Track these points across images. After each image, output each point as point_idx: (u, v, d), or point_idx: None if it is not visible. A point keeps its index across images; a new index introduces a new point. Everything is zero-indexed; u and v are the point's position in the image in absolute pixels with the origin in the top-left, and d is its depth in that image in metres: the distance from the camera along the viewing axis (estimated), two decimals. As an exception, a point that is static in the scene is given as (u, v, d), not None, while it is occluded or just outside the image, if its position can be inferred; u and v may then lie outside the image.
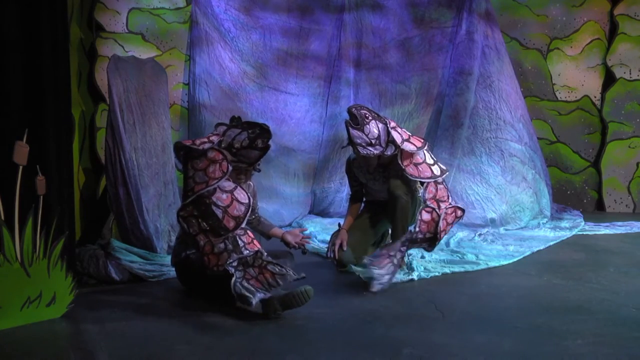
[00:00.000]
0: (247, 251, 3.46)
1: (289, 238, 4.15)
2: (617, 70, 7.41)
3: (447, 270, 4.53)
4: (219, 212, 3.48)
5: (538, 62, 7.53)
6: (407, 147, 4.25)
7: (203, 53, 6.78)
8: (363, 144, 4.22)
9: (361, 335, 3.20)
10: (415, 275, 4.33)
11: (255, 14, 6.95)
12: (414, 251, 4.69)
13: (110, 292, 4.05)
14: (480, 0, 6.86)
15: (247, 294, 3.38)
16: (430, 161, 4.35)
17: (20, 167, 3.30)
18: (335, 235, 4.60)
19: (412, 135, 4.39)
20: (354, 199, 4.81)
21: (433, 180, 4.25)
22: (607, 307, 3.65)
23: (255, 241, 3.54)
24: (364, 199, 4.82)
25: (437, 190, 4.25)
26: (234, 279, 3.41)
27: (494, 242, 5.49)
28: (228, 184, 3.57)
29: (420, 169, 4.27)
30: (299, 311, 3.45)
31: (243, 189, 3.62)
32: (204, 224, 3.50)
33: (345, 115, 4.42)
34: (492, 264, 4.75)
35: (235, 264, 3.45)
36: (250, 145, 3.62)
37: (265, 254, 3.50)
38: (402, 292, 4.03)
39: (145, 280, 4.26)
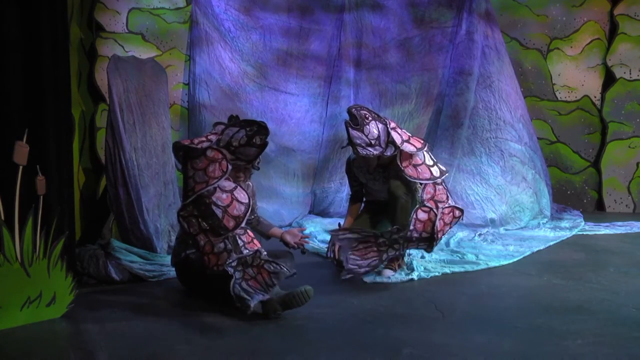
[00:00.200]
0: (247, 251, 3.47)
1: (288, 238, 4.15)
2: (617, 70, 7.42)
3: (447, 270, 4.53)
4: (219, 212, 3.48)
5: (538, 62, 7.53)
6: (407, 148, 4.25)
7: (203, 53, 6.78)
8: (363, 145, 4.22)
9: (361, 335, 3.20)
10: (415, 275, 4.33)
11: (255, 14, 6.96)
12: (414, 251, 4.70)
13: (110, 292, 4.05)
14: (480, 0, 6.87)
15: (245, 296, 3.38)
16: (430, 162, 4.35)
17: (20, 167, 3.30)
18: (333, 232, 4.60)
19: (412, 136, 4.39)
20: (354, 199, 4.81)
21: (432, 181, 4.25)
22: (607, 307, 3.65)
23: (255, 241, 3.55)
24: (364, 199, 4.82)
25: (435, 191, 4.24)
26: (233, 280, 3.41)
27: (494, 242, 5.49)
28: (228, 184, 3.57)
29: (419, 170, 4.27)
30: (299, 311, 3.46)
31: (243, 188, 3.62)
32: (204, 223, 3.50)
33: (346, 115, 4.42)
34: (492, 264, 4.75)
35: (234, 264, 3.45)
36: (248, 142, 3.62)
37: (265, 253, 3.50)
38: (402, 292, 4.03)
39: (145, 280, 4.26)
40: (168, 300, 3.88)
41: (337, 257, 4.48)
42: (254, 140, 3.62)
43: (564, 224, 6.34)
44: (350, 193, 4.89)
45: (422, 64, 7.03)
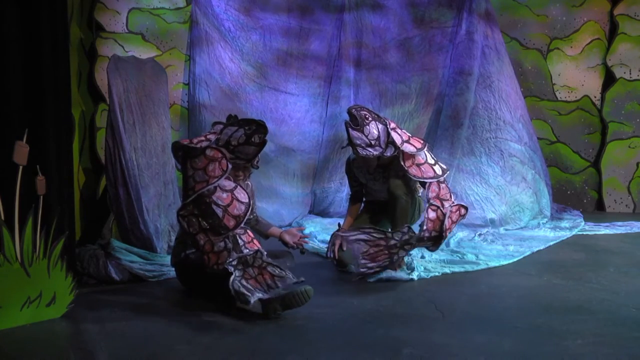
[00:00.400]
0: (247, 250, 3.47)
1: (287, 238, 4.15)
2: (617, 70, 7.42)
3: (447, 270, 4.53)
4: (219, 211, 3.48)
5: (538, 62, 7.53)
6: (407, 148, 4.26)
7: (203, 53, 6.78)
8: (363, 145, 4.23)
9: (361, 335, 3.20)
10: (415, 275, 4.32)
11: (255, 14, 6.96)
12: (414, 251, 4.69)
13: (110, 292, 4.05)
14: (480, 0, 6.87)
15: (246, 292, 3.38)
16: (432, 161, 4.36)
17: (20, 167, 3.30)
18: (335, 235, 4.60)
19: (412, 136, 4.39)
20: (354, 199, 4.81)
21: (436, 180, 4.26)
22: (607, 307, 3.65)
23: (255, 240, 3.55)
24: (364, 199, 4.82)
25: (439, 189, 4.25)
26: (232, 277, 3.41)
27: (494, 242, 5.49)
28: (228, 183, 3.57)
29: (422, 169, 4.27)
30: (299, 311, 3.45)
31: (243, 188, 3.63)
32: (204, 222, 3.51)
33: (346, 116, 4.43)
34: (492, 264, 4.75)
35: (234, 262, 3.45)
36: (246, 141, 3.62)
37: (265, 253, 3.50)
38: (402, 292, 4.03)
39: (145, 280, 4.26)
40: (168, 300, 3.88)
41: (337, 257, 4.48)
42: (252, 139, 3.62)
43: (564, 224, 6.33)
44: (350, 193, 4.89)
45: (422, 64, 7.03)
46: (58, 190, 3.53)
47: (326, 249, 4.63)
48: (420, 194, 4.61)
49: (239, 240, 3.48)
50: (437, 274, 4.44)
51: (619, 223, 6.40)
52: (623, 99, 7.42)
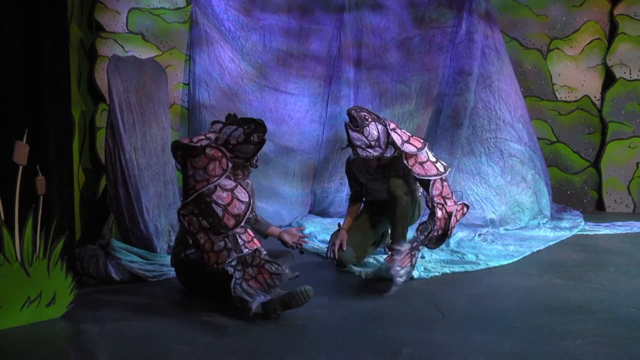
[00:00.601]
0: (247, 249, 3.47)
1: (287, 238, 4.14)
2: (617, 70, 7.42)
3: (447, 270, 4.53)
4: (219, 211, 3.48)
5: (538, 62, 7.53)
6: (407, 148, 4.26)
7: (203, 53, 6.78)
8: (362, 146, 4.23)
9: (361, 335, 3.20)
10: (415, 275, 4.32)
11: (255, 14, 6.96)
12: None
13: (110, 292, 4.05)
14: (480, 0, 6.87)
15: (247, 297, 3.38)
16: (433, 159, 4.37)
17: (20, 167, 3.30)
18: (335, 235, 4.61)
19: (412, 136, 4.39)
20: (353, 199, 4.81)
21: (439, 177, 4.27)
22: (607, 307, 3.65)
23: (255, 240, 3.55)
24: (364, 199, 4.82)
25: (443, 187, 4.26)
26: (233, 280, 3.41)
27: (494, 242, 5.49)
28: (228, 183, 3.57)
29: (425, 167, 4.28)
30: (299, 311, 3.45)
31: (243, 187, 3.63)
32: (204, 222, 3.51)
33: (346, 116, 4.43)
34: (492, 264, 4.75)
35: (234, 263, 3.45)
36: (246, 140, 3.63)
37: (264, 252, 3.50)
38: (402, 292, 4.03)
39: (145, 280, 4.26)
40: (168, 300, 3.88)
41: (337, 257, 4.48)
42: (251, 138, 3.62)
43: (564, 224, 6.33)
44: (350, 193, 4.89)
45: (422, 63, 7.03)
46: (58, 190, 3.53)
47: (326, 249, 4.63)
48: (420, 194, 4.61)
49: (239, 240, 3.48)
50: (437, 274, 4.44)
51: (619, 223, 6.40)
52: (623, 99, 7.42)
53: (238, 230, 3.49)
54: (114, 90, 4.69)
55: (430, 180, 4.23)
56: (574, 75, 7.50)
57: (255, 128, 3.63)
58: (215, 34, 6.80)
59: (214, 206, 3.49)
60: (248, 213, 3.52)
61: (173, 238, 4.70)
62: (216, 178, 3.52)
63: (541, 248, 5.31)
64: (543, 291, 4.05)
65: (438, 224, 4.16)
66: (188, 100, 6.83)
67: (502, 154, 6.39)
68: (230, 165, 3.59)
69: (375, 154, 4.25)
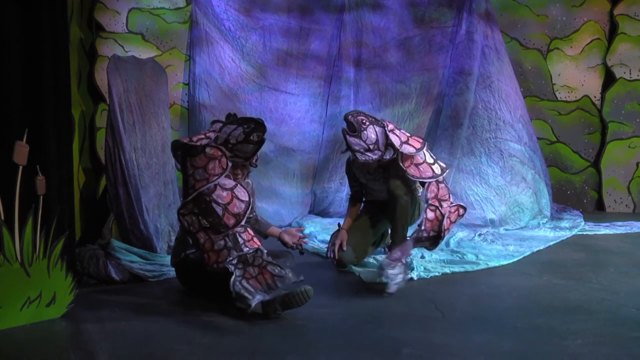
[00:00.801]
0: (247, 248, 3.47)
1: (287, 238, 4.14)
2: (617, 70, 7.42)
3: (447, 270, 4.53)
4: (219, 210, 3.48)
5: (538, 62, 7.53)
6: (406, 149, 4.26)
7: (203, 53, 6.78)
8: (361, 150, 4.24)
9: (361, 335, 3.20)
10: (415, 275, 4.33)
11: (255, 15, 6.96)
12: (414, 251, 4.69)
13: (110, 292, 4.05)
14: (480, 0, 6.87)
15: (247, 295, 3.38)
16: (431, 160, 4.36)
17: (20, 167, 3.30)
18: (335, 235, 4.61)
19: (410, 136, 4.39)
20: (353, 199, 4.81)
21: (434, 179, 4.26)
22: (607, 307, 3.65)
23: (255, 239, 3.55)
24: (364, 199, 4.82)
25: (438, 189, 4.26)
26: (233, 277, 3.41)
27: (494, 242, 5.49)
28: (228, 182, 3.58)
29: (421, 169, 4.28)
30: (299, 311, 3.45)
31: (243, 186, 3.63)
32: (204, 221, 3.51)
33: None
34: (492, 264, 4.75)
35: (235, 261, 3.45)
36: (245, 139, 3.63)
37: (265, 252, 3.50)
38: (402, 292, 4.03)
39: (145, 280, 4.26)
40: (168, 300, 3.88)
41: (337, 257, 4.48)
42: (251, 137, 3.62)
43: (564, 224, 6.33)
44: (350, 193, 4.89)
45: (422, 63, 7.03)
46: (58, 190, 3.53)
47: (326, 249, 4.63)
48: (420, 194, 4.61)
49: (239, 239, 3.48)
50: (437, 274, 4.44)
51: (619, 223, 6.40)
52: (623, 99, 7.42)
53: (238, 229, 3.49)
54: (114, 90, 4.69)
55: (424, 182, 4.24)
56: (574, 75, 7.51)
57: (255, 127, 3.63)
58: (215, 34, 6.80)
59: (214, 205, 3.49)
60: (248, 212, 3.52)
61: (173, 238, 4.70)
62: (216, 177, 3.53)
63: (541, 248, 5.31)
64: (543, 291, 4.05)
65: (428, 225, 4.16)
66: (188, 100, 6.83)
67: (502, 154, 6.39)
68: (230, 164, 3.59)
69: (374, 157, 4.26)
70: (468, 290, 4.06)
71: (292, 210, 6.63)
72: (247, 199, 3.55)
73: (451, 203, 4.28)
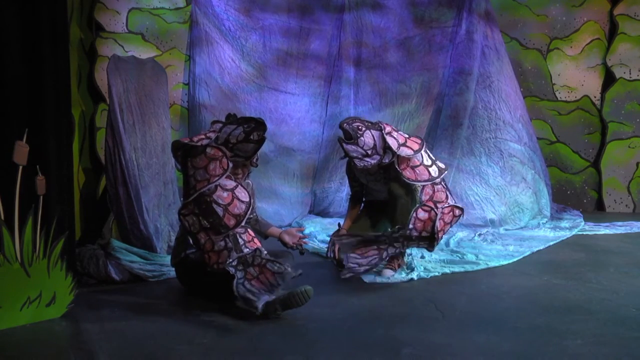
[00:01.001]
0: (247, 249, 3.47)
1: (287, 238, 4.14)
2: (617, 70, 7.42)
3: (447, 270, 4.53)
4: (219, 210, 3.48)
5: (538, 62, 7.54)
6: (404, 152, 4.26)
7: (203, 53, 6.79)
8: (359, 157, 4.24)
9: (361, 335, 3.20)
10: (415, 275, 4.33)
11: (255, 15, 6.96)
12: (414, 251, 4.70)
13: (110, 292, 4.05)
14: (480, 0, 6.87)
15: (251, 297, 3.38)
16: (428, 162, 4.35)
17: (20, 167, 3.30)
18: (335, 235, 4.60)
19: (409, 138, 4.38)
20: (354, 199, 4.81)
21: (430, 182, 4.26)
22: (607, 307, 3.65)
23: (255, 239, 3.55)
24: (364, 199, 4.82)
25: (434, 191, 4.25)
26: (235, 280, 3.41)
27: (493, 242, 5.49)
28: (229, 182, 3.58)
29: (417, 171, 4.27)
30: (299, 311, 3.45)
31: (243, 187, 3.63)
32: (205, 221, 3.51)
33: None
34: (492, 264, 4.75)
35: (235, 263, 3.45)
36: (245, 138, 3.63)
37: (265, 252, 3.50)
38: (402, 292, 4.03)
39: (145, 280, 4.26)
40: (168, 300, 3.88)
41: (337, 257, 4.48)
42: (251, 137, 3.62)
43: (564, 224, 6.34)
44: (350, 193, 4.89)
45: (422, 63, 7.03)
46: (58, 190, 3.53)
47: (326, 249, 4.63)
48: (420, 194, 4.60)
49: (239, 239, 3.48)
50: (437, 274, 4.44)
51: (619, 223, 6.40)
52: (623, 99, 7.42)
53: (238, 230, 3.49)
54: (113, 90, 4.69)
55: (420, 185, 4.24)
56: (574, 75, 7.51)
57: (255, 127, 3.64)
58: (215, 34, 6.80)
59: (215, 206, 3.49)
60: (248, 213, 3.53)
61: (173, 238, 4.70)
62: (217, 178, 3.53)
63: (541, 248, 5.31)
64: (543, 291, 4.05)
65: (419, 224, 4.15)
66: (188, 100, 6.83)
67: (502, 154, 6.39)
68: (230, 165, 3.59)
69: (373, 162, 4.26)
70: (468, 290, 4.06)
71: (292, 210, 6.63)
72: (247, 199, 3.55)
73: (446, 204, 4.26)
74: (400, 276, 4.32)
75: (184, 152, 3.66)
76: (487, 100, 6.55)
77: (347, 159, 4.49)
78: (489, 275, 4.48)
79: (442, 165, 4.41)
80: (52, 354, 3.04)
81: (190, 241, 3.72)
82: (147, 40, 6.72)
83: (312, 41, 7.10)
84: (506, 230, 5.98)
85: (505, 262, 4.80)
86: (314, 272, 4.44)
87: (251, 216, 4.12)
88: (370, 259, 4.18)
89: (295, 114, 6.98)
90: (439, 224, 4.18)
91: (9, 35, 3.30)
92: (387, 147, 4.26)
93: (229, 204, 3.50)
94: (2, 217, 3.25)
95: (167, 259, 4.41)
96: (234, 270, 3.43)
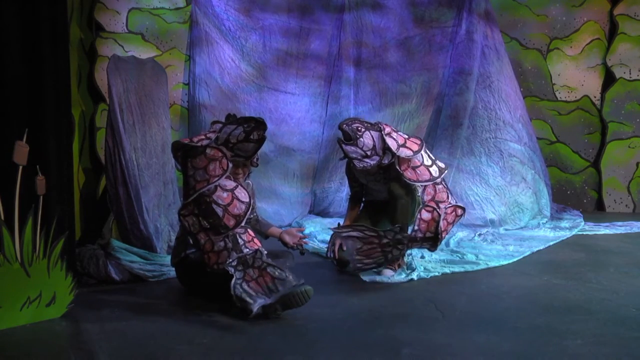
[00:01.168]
0: (247, 249, 3.47)
1: (287, 238, 4.14)
2: (617, 70, 7.42)
3: (447, 270, 4.53)
4: (219, 211, 3.48)
5: (538, 62, 7.54)
6: (403, 152, 4.26)
7: (203, 53, 6.79)
8: (359, 158, 4.25)
9: (361, 335, 3.20)
10: (415, 275, 4.33)
11: (255, 15, 6.96)
12: (414, 251, 4.70)
13: (110, 292, 4.05)
14: (480, 0, 6.87)
15: (248, 299, 3.38)
16: (428, 162, 4.36)
17: (20, 167, 3.30)
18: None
19: (408, 138, 4.39)
20: (353, 199, 4.81)
21: (431, 182, 4.26)
22: (607, 307, 3.65)
23: (255, 240, 3.55)
24: (364, 199, 4.82)
25: (435, 191, 4.26)
26: (234, 280, 3.41)
27: (493, 242, 5.49)
28: (229, 183, 3.58)
29: (418, 172, 4.28)
30: (299, 311, 3.45)
31: (243, 187, 3.63)
32: (205, 222, 3.51)
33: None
34: (492, 264, 4.75)
35: (234, 263, 3.45)
36: (246, 138, 3.63)
37: (265, 253, 3.50)
38: (402, 292, 4.03)
39: (145, 280, 4.26)
40: (168, 300, 3.88)
41: (337, 257, 4.48)
42: (251, 136, 3.63)
43: (564, 224, 6.34)
44: (350, 193, 4.89)
45: (423, 63, 7.04)
46: (58, 190, 3.53)
47: (326, 249, 4.63)
48: (419, 194, 4.60)
49: (239, 240, 3.48)
50: (437, 274, 4.44)
51: (619, 223, 6.40)
52: (623, 99, 7.42)
53: (238, 230, 3.49)
54: (113, 90, 4.69)
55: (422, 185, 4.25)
56: (574, 75, 7.51)
57: (256, 126, 3.64)
58: (215, 34, 6.81)
59: (214, 206, 3.49)
60: (248, 213, 3.53)
61: (173, 238, 4.70)
62: (216, 178, 3.53)
63: (541, 248, 5.31)
64: (543, 291, 4.05)
65: (423, 225, 4.17)
66: (188, 100, 6.83)
67: (502, 154, 6.39)
68: (230, 165, 3.59)
69: (372, 162, 4.27)
70: (468, 290, 4.06)
71: (292, 210, 6.63)
72: (247, 200, 3.55)
73: (448, 204, 4.27)
74: (400, 276, 4.32)
75: (184, 153, 3.66)
76: (487, 100, 6.56)
77: (346, 159, 4.49)
78: (489, 275, 4.48)
79: (442, 165, 4.42)
80: (52, 354, 3.04)
81: (190, 241, 3.72)
82: (147, 40, 6.72)
83: (312, 41, 7.10)
84: (506, 230, 5.98)
85: (505, 262, 4.80)
86: (314, 272, 4.45)
87: (251, 216, 4.12)
88: (376, 258, 4.21)
89: (295, 114, 6.98)
90: (442, 224, 4.19)
91: (9, 35, 3.30)
92: (386, 148, 4.26)
93: (228, 205, 3.50)
94: (2, 217, 3.25)
95: (167, 259, 4.41)
96: (233, 270, 3.43)
